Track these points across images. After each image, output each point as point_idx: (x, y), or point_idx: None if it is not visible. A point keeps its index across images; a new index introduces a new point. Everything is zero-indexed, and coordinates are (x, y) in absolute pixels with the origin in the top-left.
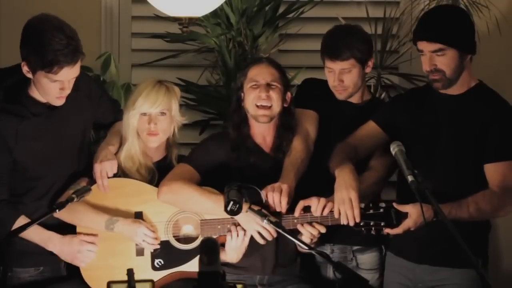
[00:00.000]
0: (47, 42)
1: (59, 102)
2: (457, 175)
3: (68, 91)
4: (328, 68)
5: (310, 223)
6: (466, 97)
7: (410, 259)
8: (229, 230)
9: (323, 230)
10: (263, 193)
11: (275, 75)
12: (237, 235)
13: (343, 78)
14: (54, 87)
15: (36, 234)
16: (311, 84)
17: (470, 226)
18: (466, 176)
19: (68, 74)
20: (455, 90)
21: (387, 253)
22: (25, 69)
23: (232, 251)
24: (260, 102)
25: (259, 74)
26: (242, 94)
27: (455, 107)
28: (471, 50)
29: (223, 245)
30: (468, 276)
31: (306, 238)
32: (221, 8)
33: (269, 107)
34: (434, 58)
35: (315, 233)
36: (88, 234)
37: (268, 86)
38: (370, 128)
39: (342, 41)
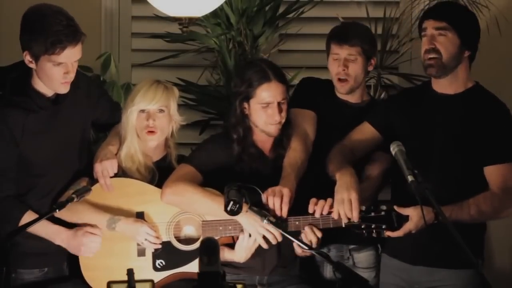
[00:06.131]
0: (48, 25)
1: (63, 88)
2: (453, 176)
3: (72, 75)
4: (334, 55)
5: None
6: (463, 97)
7: (405, 261)
8: (242, 230)
9: (319, 234)
10: (263, 196)
11: (284, 92)
12: (250, 235)
13: (348, 65)
14: (58, 72)
15: (43, 229)
16: (310, 83)
17: (466, 226)
18: (463, 177)
19: (71, 55)
20: (452, 89)
21: (382, 255)
22: (27, 58)
23: (242, 251)
24: (273, 122)
25: (271, 95)
26: (247, 106)
27: (452, 106)
28: (471, 46)
29: (227, 245)
30: (464, 276)
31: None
32: (221, 8)
33: (279, 122)
34: (435, 38)
35: (314, 240)
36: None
37: (279, 106)
38: (365, 129)
39: (352, 29)
